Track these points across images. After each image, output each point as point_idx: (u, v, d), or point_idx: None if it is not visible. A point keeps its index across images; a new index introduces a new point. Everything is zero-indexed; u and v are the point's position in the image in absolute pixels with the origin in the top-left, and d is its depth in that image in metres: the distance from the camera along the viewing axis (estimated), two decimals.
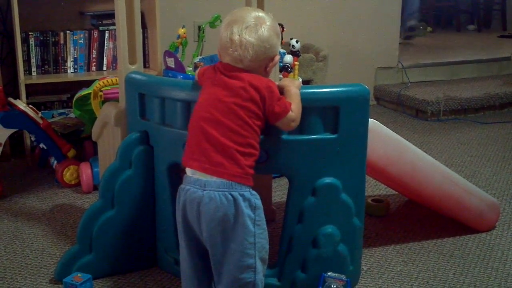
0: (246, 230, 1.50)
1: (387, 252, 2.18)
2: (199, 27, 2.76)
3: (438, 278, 2.01)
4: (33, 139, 2.89)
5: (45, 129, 2.73)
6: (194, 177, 1.53)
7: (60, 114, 3.22)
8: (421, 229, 2.35)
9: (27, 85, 2.97)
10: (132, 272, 2.01)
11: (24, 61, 3.00)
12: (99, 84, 2.54)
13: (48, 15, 3.17)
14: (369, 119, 1.81)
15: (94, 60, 3.20)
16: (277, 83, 1.68)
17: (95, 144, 2.47)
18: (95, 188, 2.68)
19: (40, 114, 2.78)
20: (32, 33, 3.04)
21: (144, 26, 3.19)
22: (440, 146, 3.43)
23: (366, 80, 4.16)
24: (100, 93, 2.49)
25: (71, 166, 2.74)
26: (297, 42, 2.51)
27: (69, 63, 3.15)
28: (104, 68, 3.22)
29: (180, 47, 2.54)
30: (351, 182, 1.80)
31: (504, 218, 2.44)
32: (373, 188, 2.75)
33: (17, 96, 2.94)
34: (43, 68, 3.10)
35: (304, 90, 1.69)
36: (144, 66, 2.76)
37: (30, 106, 2.81)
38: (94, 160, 2.68)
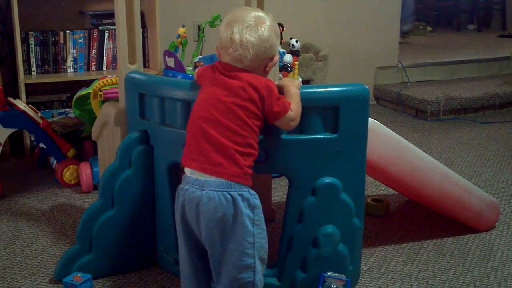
0: (245, 229, 1.50)
1: (387, 252, 2.18)
2: (199, 26, 2.76)
3: (438, 278, 2.01)
4: (33, 138, 2.89)
5: (45, 128, 2.73)
6: (193, 177, 1.53)
7: (60, 113, 3.21)
8: (421, 229, 2.35)
9: (26, 85, 2.97)
10: (132, 272, 2.01)
11: (24, 60, 3.00)
12: (98, 83, 2.53)
13: (48, 15, 3.17)
14: (369, 118, 1.81)
15: (93, 59, 3.20)
16: (277, 82, 1.68)
17: (95, 144, 2.47)
18: (95, 188, 2.68)
19: (39, 114, 2.78)
20: (32, 32, 3.04)
21: (144, 26, 3.19)
22: (440, 145, 3.43)
23: (366, 80, 4.16)
24: (100, 93, 2.49)
25: (71, 165, 2.74)
26: (297, 41, 2.51)
27: (69, 63, 3.15)
28: (104, 68, 3.22)
29: (180, 46, 2.54)
30: (351, 182, 1.80)
31: (504, 218, 2.44)
32: (373, 188, 2.75)
33: (17, 96, 2.94)
34: (42, 68, 3.10)
35: (304, 90, 1.69)
36: (144, 66, 2.76)
37: (30, 105, 2.81)
38: (94, 159, 2.68)
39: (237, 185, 1.50)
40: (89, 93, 2.57)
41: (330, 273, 1.80)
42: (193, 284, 1.62)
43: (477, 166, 3.08)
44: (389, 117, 4.09)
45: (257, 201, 1.53)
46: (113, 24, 2.97)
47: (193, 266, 1.60)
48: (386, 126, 2.00)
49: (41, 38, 3.07)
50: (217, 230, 1.50)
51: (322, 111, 1.74)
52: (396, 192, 2.66)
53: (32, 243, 2.23)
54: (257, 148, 1.56)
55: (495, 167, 3.07)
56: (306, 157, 1.74)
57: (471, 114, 4.12)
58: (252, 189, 1.53)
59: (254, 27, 1.54)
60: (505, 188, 2.78)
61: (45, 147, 2.77)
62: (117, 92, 2.19)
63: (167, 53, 2.40)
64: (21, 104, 2.71)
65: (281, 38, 2.51)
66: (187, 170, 1.56)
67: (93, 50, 3.19)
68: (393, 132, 2.03)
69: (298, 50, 2.49)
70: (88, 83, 2.74)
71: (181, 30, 2.53)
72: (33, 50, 3.06)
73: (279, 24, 2.50)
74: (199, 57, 2.44)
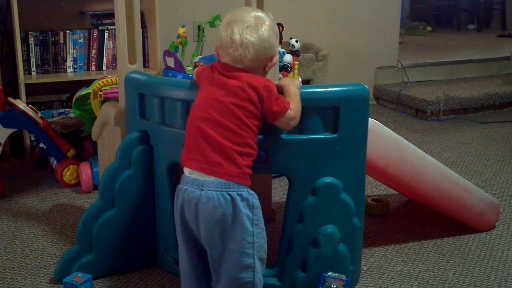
0: (244, 229, 1.50)
1: (387, 252, 2.18)
2: (199, 26, 2.76)
3: (438, 278, 2.01)
4: (33, 138, 2.89)
5: (45, 128, 2.73)
6: (192, 177, 1.53)
7: (60, 113, 3.21)
8: (421, 229, 2.35)
9: (26, 85, 2.97)
10: (132, 272, 2.01)
11: (23, 60, 3.00)
12: (98, 83, 2.53)
13: (47, 14, 3.17)
14: (369, 118, 1.81)
15: (93, 59, 3.20)
16: (276, 82, 1.68)
17: (95, 144, 2.47)
18: (95, 188, 2.68)
19: (39, 114, 2.78)
20: (31, 32, 3.04)
21: (144, 26, 3.19)
22: (440, 145, 3.43)
23: (366, 80, 4.16)
24: (100, 93, 2.49)
25: (71, 165, 2.74)
26: (296, 41, 2.51)
27: (69, 63, 3.15)
28: (104, 68, 3.22)
29: (180, 46, 2.54)
30: (351, 181, 1.80)
31: (504, 218, 2.44)
32: (373, 188, 2.75)
33: (16, 96, 2.94)
34: (42, 68, 3.10)
35: (304, 90, 1.69)
36: (144, 66, 2.76)
37: (30, 105, 2.81)
38: (94, 159, 2.68)
39: (236, 185, 1.50)
40: (89, 93, 2.57)
41: (330, 273, 1.80)
42: (193, 284, 1.62)
43: (477, 166, 3.08)
44: (389, 117, 4.09)
45: (256, 201, 1.53)
46: (113, 24, 2.97)
47: (192, 266, 1.60)
48: (386, 126, 2.00)
49: (41, 38, 3.07)
50: (216, 230, 1.50)
51: (322, 111, 1.74)
52: (396, 192, 2.66)
53: (32, 243, 2.23)
54: (256, 148, 1.56)
55: (495, 167, 3.07)
56: (306, 157, 1.74)
57: (471, 114, 4.12)
58: (251, 189, 1.53)
59: (255, 27, 1.54)
60: (505, 188, 2.78)
61: (45, 147, 2.77)
62: (117, 92, 2.19)
63: (167, 53, 2.40)
64: (21, 104, 2.71)
65: (281, 38, 2.51)
66: (186, 170, 1.56)
67: (93, 50, 3.19)
68: (393, 132, 2.03)
69: (298, 50, 2.49)
70: (88, 83, 2.74)
71: (181, 30, 2.53)
72: (33, 50, 3.06)
73: (279, 24, 2.50)
74: (199, 57, 2.44)
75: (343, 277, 1.80)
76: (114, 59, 3.21)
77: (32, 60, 3.06)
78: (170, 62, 2.38)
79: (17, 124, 2.70)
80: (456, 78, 4.69)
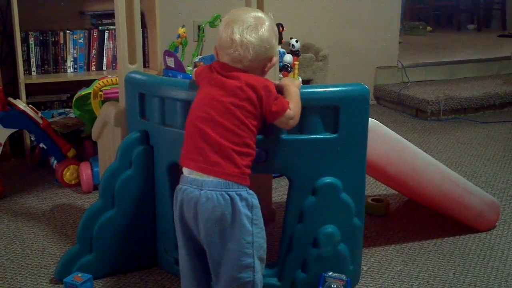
0: (243, 229, 1.50)
1: (387, 251, 2.18)
2: (199, 26, 2.76)
3: (438, 278, 2.01)
4: (33, 139, 2.89)
5: (45, 129, 2.73)
6: (191, 177, 1.53)
7: (60, 114, 3.22)
8: (421, 229, 2.35)
9: (27, 85, 2.97)
10: (132, 272, 2.01)
11: (24, 61, 3.00)
12: (99, 83, 2.53)
13: (48, 15, 3.17)
14: (369, 118, 1.81)
15: (94, 59, 3.20)
16: (277, 82, 1.69)
17: (95, 144, 2.47)
18: (95, 188, 2.68)
19: (40, 114, 2.78)
20: (32, 33, 3.04)
21: (144, 26, 3.19)
22: (440, 145, 3.44)
23: (366, 80, 4.16)
24: (100, 93, 2.49)
25: (71, 166, 2.74)
26: (296, 41, 2.51)
27: (69, 63, 3.15)
28: (104, 68, 3.22)
29: (180, 46, 2.54)
30: (351, 181, 1.80)
31: (504, 218, 2.44)
32: (373, 187, 2.75)
33: (17, 96, 2.94)
34: (43, 68, 3.10)
35: (304, 90, 1.69)
36: (144, 66, 2.76)
37: (30, 106, 2.81)
38: (94, 160, 2.68)
39: (235, 185, 1.50)
40: (89, 93, 2.57)
41: (330, 273, 1.80)
42: (193, 284, 1.62)
43: (477, 166, 3.08)
44: (389, 117, 4.09)
45: (255, 201, 1.53)
46: (113, 24, 2.97)
47: (192, 266, 1.60)
48: (386, 126, 2.00)
49: (41, 38, 3.07)
50: (216, 230, 1.50)
51: (322, 111, 1.74)
52: (396, 192, 2.66)
53: (32, 243, 2.23)
54: (254, 148, 1.56)
55: (495, 167, 3.07)
56: (306, 157, 1.74)
57: (471, 114, 4.12)
58: (250, 189, 1.53)
59: (255, 28, 1.54)
60: (505, 188, 2.78)
61: (45, 147, 2.77)
62: (117, 92, 2.19)
63: (167, 53, 2.40)
64: (21, 104, 2.71)
65: (281, 38, 2.52)
66: (185, 170, 1.56)
67: (93, 50, 3.19)
68: (393, 132, 2.03)
69: (298, 50, 2.50)
70: (88, 83, 2.74)
71: (181, 30, 2.53)
72: (33, 50, 3.06)
73: (279, 24, 2.51)
74: (199, 57, 2.44)
75: (343, 277, 1.80)
76: (114, 59, 3.22)
77: (32, 60, 3.06)
78: (170, 62, 2.38)
79: (17, 124, 2.70)
80: (456, 78, 4.69)
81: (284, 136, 1.72)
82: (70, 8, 3.22)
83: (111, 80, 2.53)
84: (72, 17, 3.23)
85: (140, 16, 2.07)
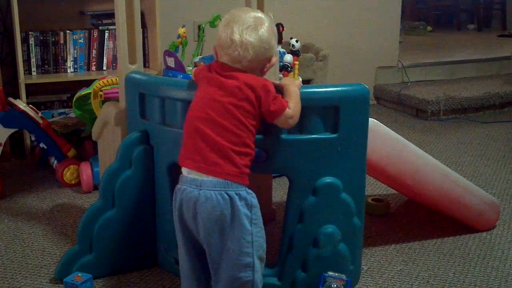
0: (243, 229, 1.50)
1: (387, 251, 2.18)
2: (199, 26, 2.76)
3: (439, 278, 2.01)
4: (33, 138, 2.89)
5: (45, 128, 2.73)
6: (190, 176, 1.53)
7: (60, 113, 3.22)
8: (421, 229, 2.35)
9: (27, 85, 2.97)
10: (132, 272, 2.01)
11: (24, 61, 3.00)
12: (99, 83, 2.53)
13: (48, 15, 3.17)
14: (369, 118, 1.81)
15: (94, 59, 3.20)
16: (277, 82, 1.69)
17: (95, 144, 2.47)
18: (95, 187, 2.68)
19: (40, 114, 2.78)
20: (32, 32, 3.04)
21: (144, 26, 3.19)
22: (440, 145, 3.44)
23: (366, 80, 4.16)
24: (100, 93, 2.49)
25: (71, 165, 2.74)
26: (297, 41, 2.51)
27: (69, 63, 3.16)
28: (104, 68, 3.23)
29: (180, 46, 2.54)
30: (352, 181, 1.80)
31: (504, 218, 2.44)
32: (373, 187, 2.75)
33: (17, 96, 2.94)
34: (43, 68, 3.10)
35: (304, 90, 1.69)
36: (144, 66, 2.76)
37: (30, 105, 2.81)
38: (94, 159, 2.68)
39: (234, 184, 1.50)
40: (90, 93, 2.57)
41: (330, 273, 1.80)
42: (193, 284, 1.62)
43: (477, 165, 3.08)
44: (389, 117, 4.09)
45: (254, 200, 1.53)
46: (113, 24, 2.97)
47: (192, 266, 1.60)
48: (386, 126, 1.99)
49: (41, 38, 3.07)
50: (215, 230, 1.50)
51: (323, 111, 1.74)
52: (397, 192, 2.66)
53: (32, 243, 2.23)
54: (253, 147, 1.56)
55: (496, 166, 3.07)
56: (306, 157, 1.74)
57: (472, 113, 4.12)
58: (249, 188, 1.53)
59: (254, 28, 1.54)
60: (505, 188, 2.78)
61: (45, 147, 2.77)
62: (118, 92, 2.19)
63: (167, 53, 2.40)
64: (21, 104, 2.72)
65: (281, 38, 2.52)
66: (184, 170, 1.56)
67: (93, 50, 3.19)
68: (394, 132, 2.03)
69: (298, 50, 2.50)
70: (88, 83, 2.74)
71: (181, 30, 2.53)
72: (33, 50, 3.06)
73: (279, 24, 2.51)
74: (199, 57, 2.44)
75: (344, 276, 1.80)
76: (114, 59, 3.22)
77: (33, 60, 3.07)
78: (170, 62, 2.38)
79: (18, 124, 2.70)
80: (456, 78, 4.69)
81: (284, 136, 1.72)
82: (70, 8, 3.22)
83: (111, 80, 2.53)
84: (72, 17, 3.23)
85: (140, 16, 2.07)
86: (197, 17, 3.56)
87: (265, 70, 1.61)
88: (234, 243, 1.50)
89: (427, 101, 3.98)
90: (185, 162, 1.55)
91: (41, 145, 2.78)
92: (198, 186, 1.50)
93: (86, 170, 2.68)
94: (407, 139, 2.08)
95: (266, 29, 1.56)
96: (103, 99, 2.49)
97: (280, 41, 2.53)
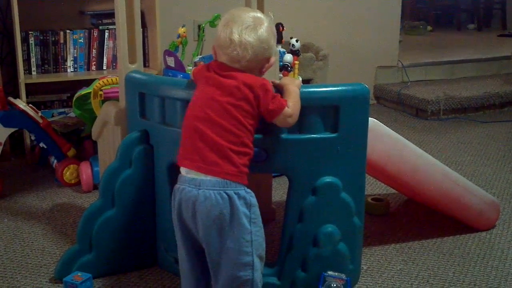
0: (242, 228, 1.51)
1: (387, 251, 2.18)
2: (199, 26, 2.76)
3: (438, 277, 2.01)
4: (33, 138, 2.89)
5: (45, 128, 2.73)
6: (188, 176, 1.53)
7: (60, 113, 3.22)
8: (421, 228, 2.35)
9: (27, 85, 2.97)
10: (132, 272, 2.01)
11: (24, 60, 3.00)
12: (99, 83, 2.54)
13: (48, 14, 3.17)
14: (369, 118, 1.81)
15: (94, 59, 3.20)
16: (277, 82, 1.69)
17: (95, 143, 2.47)
18: (95, 187, 2.68)
19: (40, 114, 2.78)
20: (32, 32, 3.04)
21: (144, 25, 3.19)
22: (440, 145, 3.44)
23: (366, 79, 4.16)
24: (100, 92, 2.49)
25: (71, 165, 2.74)
26: (297, 41, 2.51)
27: (69, 63, 3.15)
28: (104, 67, 3.22)
29: (180, 46, 2.54)
30: (351, 181, 1.80)
31: (504, 217, 2.44)
32: (373, 187, 2.75)
33: (17, 96, 2.94)
34: (43, 68, 3.10)
35: (304, 89, 1.69)
36: (144, 66, 2.76)
37: (30, 105, 2.81)
38: (94, 159, 2.68)
39: (233, 184, 1.50)
40: (89, 92, 2.57)
41: (330, 272, 1.80)
42: (193, 283, 1.62)
43: (477, 165, 3.08)
44: (389, 116, 4.09)
45: (253, 199, 1.54)
46: (113, 23, 2.98)
47: (192, 266, 1.60)
48: (386, 125, 2.00)
49: (41, 37, 3.07)
50: (214, 229, 1.50)
51: (322, 111, 1.74)
52: (396, 192, 2.66)
53: (32, 242, 2.23)
54: (252, 147, 1.56)
55: (496, 166, 3.07)
56: (306, 157, 1.74)
57: (471, 113, 4.12)
58: (248, 188, 1.53)
59: (254, 28, 1.54)
60: (505, 188, 2.78)
61: (45, 146, 2.77)
62: (118, 92, 2.19)
63: (167, 53, 2.41)
64: (21, 103, 2.72)
65: (281, 38, 2.52)
66: (182, 170, 1.56)
67: (93, 50, 3.19)
68: (394, 132, 2.03)
69: (298, 50, 2.50)
70: (88, 82, 2.74)
71: (181, 30, 2.53)
72: (33, 49, 3.06)
73: (279, 23, 2.51)
74: (199, 56, 2.45)
75: (343, 276, 1.80)
76: (114, 58, 3.22)
77: (32, 59, 3.06)
78: (170, 61, 2.38)
79: (17, 124, 2.70)
80: (456, 78, 4.69)
81: (284, 135, 1.72)
82: (70, 8, 3.22)
83: (111, 79, 2.54)
84: (72, 17, 3.23)
85: (140, 16, 2.07)
86: (197, 16, 3.55)
87: (263, 70, 1.61)
88: (234, 242, 1.50)
89: (427, 101, 3.98)
90: (183, 162, 1.55)
91: (41, 144, 2.78)
92: (197, 186, 1.50)
93: (86, 169, 2.68)
94: (407, 139, 2.08)
95: (265, 29, 1.56)
96: (103, 98, 2.49)
97: (280, 41, 2.54)
